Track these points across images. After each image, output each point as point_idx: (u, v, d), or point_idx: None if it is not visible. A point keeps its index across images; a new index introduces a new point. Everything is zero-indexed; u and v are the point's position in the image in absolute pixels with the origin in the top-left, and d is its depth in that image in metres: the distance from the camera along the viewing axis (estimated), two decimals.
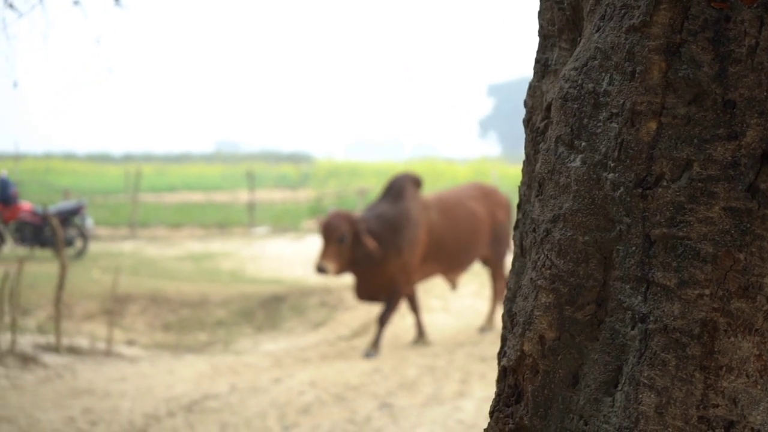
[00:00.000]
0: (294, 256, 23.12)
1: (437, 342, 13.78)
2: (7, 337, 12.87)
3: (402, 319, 15.24)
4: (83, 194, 35.47)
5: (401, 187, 13.60)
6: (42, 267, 19.49)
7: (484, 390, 10.63)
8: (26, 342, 13.42)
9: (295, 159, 68.04)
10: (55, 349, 13.35)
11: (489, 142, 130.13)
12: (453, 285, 14.56)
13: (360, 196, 31.49)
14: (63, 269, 13.78)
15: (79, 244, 23.59)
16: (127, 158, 74.00)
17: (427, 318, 15.28)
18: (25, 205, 24.29)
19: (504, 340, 2.26)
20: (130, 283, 17.89)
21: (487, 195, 14.65)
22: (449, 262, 13.98)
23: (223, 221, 33.32)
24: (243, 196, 38.92)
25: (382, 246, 13.14)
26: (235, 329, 16.19)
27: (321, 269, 12.94)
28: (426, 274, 13.89)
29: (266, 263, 22.18)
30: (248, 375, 11.95)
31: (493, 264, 14.74)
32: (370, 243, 12.98)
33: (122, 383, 11.46)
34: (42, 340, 13.96)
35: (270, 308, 16.95)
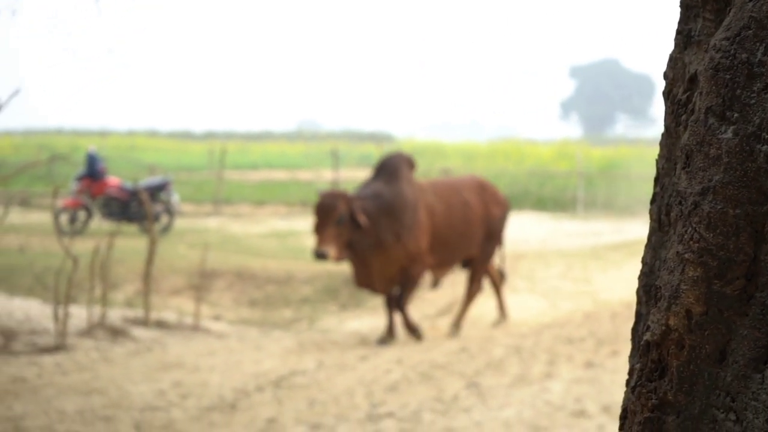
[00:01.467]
0: None
1: (523, 323, 13.73)
2: (97, 310, 13.05)
3: (487, 300, 15.19)
4: (167, 171, 35.79)
5: (395, 168, 12.88)
6: (128, 242, 19.69)
7: (572, 372, 10.57)
8: (115, 316, 13.59)
9: (376, 138, 67.92)
10: (144, 323, 13.51)
11: (570, 124, 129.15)
12: (436, 281, 13.83)
13: (445, 176, 31.31)
14: (152, 244, 13.92)
15: (164, 219, 23.84)
16: (209, 136, 74.43)
17: (513, 298, 15.22)
18: (113, 180, 24.62)
19: (638, 315, 2.23)
20: (215, 259, 18.02)
21: (484, 189, 13.85)
22: (442, 253, 13.20)
23: (306, 199, 33.43)
24: (326, 174, 39.04)
25: (380, 230, 12.43)
26: (320, 306, 16.26)
27: (321, 255, 12.13)
28: None
29: None
30: (334, 352, 11.99)
31: (478, 262, 13.78)
32: (362, 219, 12.19)
33: (211, 358, 11.56)
34: (130, 314, 14.14)
35: (354, 286, 17.01)
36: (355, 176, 38.87)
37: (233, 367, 11.03)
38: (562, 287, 15.83)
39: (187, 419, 8.97)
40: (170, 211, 23.98)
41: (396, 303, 12.81)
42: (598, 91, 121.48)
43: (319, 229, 12.20)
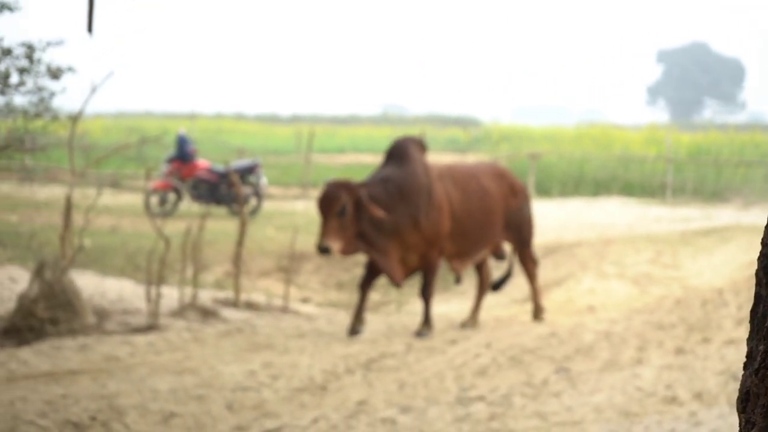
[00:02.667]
0: None
1: (613, 308, 13.61)
2: (189, 291, 13.18)
3: (577, 284, 15.12)
4: (254, 153, 35.94)
5: (404, 150, 12.29)
6: (217, 224, 19.84)
7: (663, 358, 10.48)
8: (206, 297, 13.72)
9: (462, 123, 67.59)
10: (234, 304, 13.63)
11: (656, 109, 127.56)
12: (458, 276, 13.15)
13: (532, 161, 30.98)
14: (243, 226, 14.03)
15: (253, 202, 23.94)
16: (295, 119, 74.62)
17: (601, 284, 15.11)
18: (202, 162, 24.81)
19: (758, 297, 2.19)
20: (303, 242, 18.07)
21: (502, 176, 13.24)
22: (461, 243, 12.62)
23: None
24: None
25: (394, 215, 11.86)
26: (408, 290, 16.24)
27: (323, 249, 11.55)
28: None
29: None
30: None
31: (520, 252, 13.39)
32: (377, 211, 11.62)
33: (300, 339, 11.63)
34: (221, 295, 14.28)
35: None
36: (441, 160, 38.81)
37: (323, 349, 11.08)
38: (651, 273, 15.66)
39: (277, 400, 9.05)
40: (258, 194, 24.10)
41: (421, 292, 12.40)
42: (685, 76, 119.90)
43: (322, 222, 11.70)
